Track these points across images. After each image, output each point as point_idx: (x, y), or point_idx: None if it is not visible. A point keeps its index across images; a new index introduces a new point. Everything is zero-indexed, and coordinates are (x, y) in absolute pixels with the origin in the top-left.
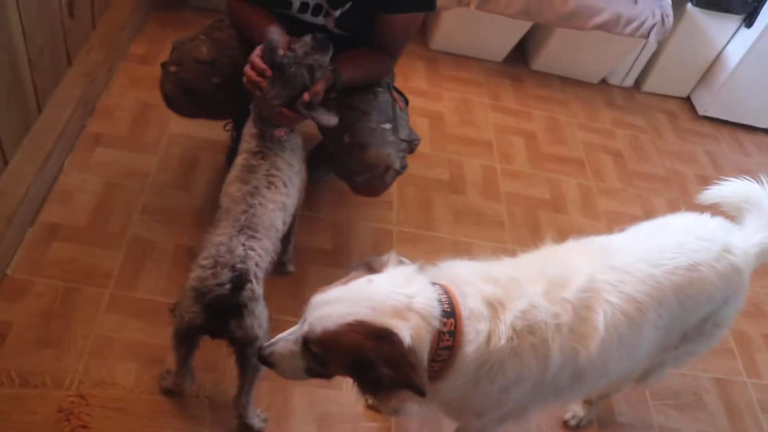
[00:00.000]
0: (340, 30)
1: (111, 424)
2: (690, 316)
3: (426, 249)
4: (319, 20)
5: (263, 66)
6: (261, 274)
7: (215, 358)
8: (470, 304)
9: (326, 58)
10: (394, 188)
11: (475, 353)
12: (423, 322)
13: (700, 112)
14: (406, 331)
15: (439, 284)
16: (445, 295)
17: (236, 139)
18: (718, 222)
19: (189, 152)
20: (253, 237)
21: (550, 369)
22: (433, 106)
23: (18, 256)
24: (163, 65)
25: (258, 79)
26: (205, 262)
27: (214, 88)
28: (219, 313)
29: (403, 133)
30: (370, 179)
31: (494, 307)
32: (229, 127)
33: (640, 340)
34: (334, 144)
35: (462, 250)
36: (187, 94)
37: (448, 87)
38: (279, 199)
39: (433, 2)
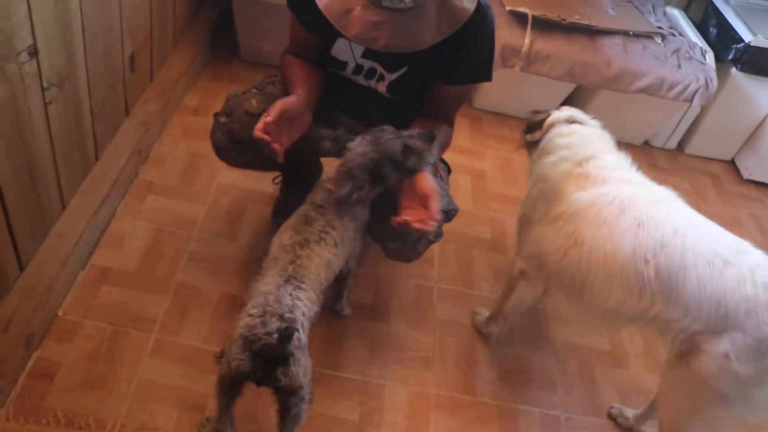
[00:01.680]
0: (390, 94)
1: None
2: None
3: (466, 306)
4: (372, 83)
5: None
6: (307, 324)
7: (254, 409)
8: None
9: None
10: (435, 245)
11: None
12: None
13: (745, 176)
14: None
15: None
16: None
17: (284, 192)
18: None
19: (236, 203)
20: (300, 288)
21: None
22: (476, 164)
23: (69, 298)
24: (215, 116)
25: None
26: (254, 311)
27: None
28: (266, 362)
29: (443, 204)
30: (403, 246)
31: None
32: (277, 180)
33: None
34: (370, 208)
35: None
36: (235, 144)
37: (491, 145)
38: (326, 256)
39: (490, 74)
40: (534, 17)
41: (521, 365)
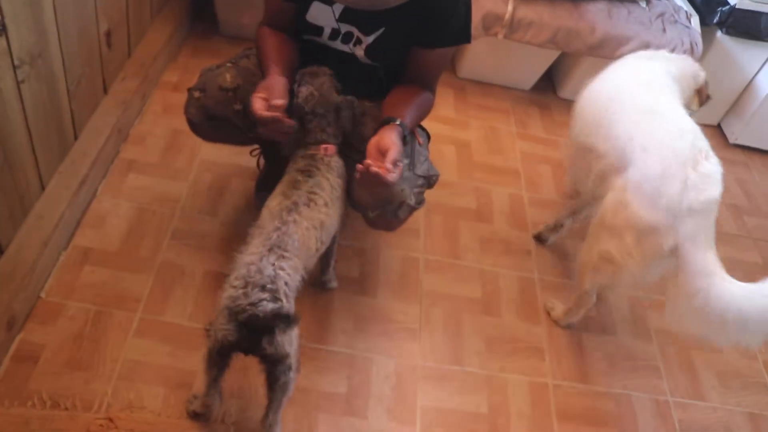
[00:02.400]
0: (369, 59)
1: None
2: None
3: (453, 277)
4: (349, 47)
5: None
6: (291, 293)
7: (242, 385)
8: None
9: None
10: (420, 216)
11: None
12: None
13: (731, 140)
14: None
15: None
16: None
17: (265, 165)
18: None
19: (219, 179)
20: (283, 257)
21: None
22: (461, 134)
23: (52, 280)
24: (189, 90)
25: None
26: (236, 282)
27: (236, 115)
28: (252, 331)
29: (421, 169)
30: (384, 214)
31: None
32: (255, 153)
33: None
34: (349, 177)
35: (489, 279)
36: (210, 120)
37: (476, 115)
38: (317, 217)
39: (468, 35)
40: None
41: (507, 335)
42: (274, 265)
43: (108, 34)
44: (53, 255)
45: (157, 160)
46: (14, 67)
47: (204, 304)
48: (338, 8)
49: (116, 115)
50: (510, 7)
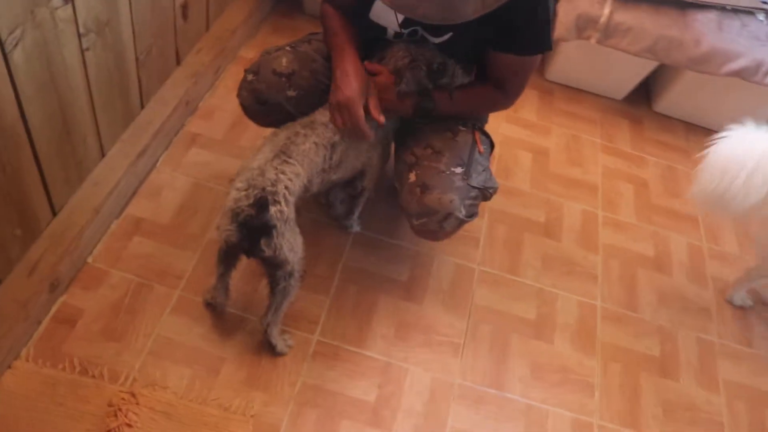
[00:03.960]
0: None
1: (154, 427)
2: None
3: (507, 294)
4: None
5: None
6: (291, 197)
7: (267, 378)
8: None
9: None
10: (483, 225)
11: None
12: None
13: None
14: None
15: None
16: None
17: None
18: None
19: None
20: (286, 162)
21: None
22: (540, 141)
23: (101, 246)
24: (245, 72)
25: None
26: (240, 185)
27: (287, 101)
28: (251, 232)
29: (477, 180)
30: (428, 224)
31: None
32: None
33: None
34: (399, 180)
35: (546, 300)
36: (261, 104)
37: (559, 122)
38: (329, 137)
39: (546, 43)
40: None
41: (556, 363)
42: (276, 169)
43: (185, 6)
44: (105, 222)
45: (222, 136)
46: (79, 35)
47: (244, 290)
48: None
49: (186, 87)
50: (607, 11)
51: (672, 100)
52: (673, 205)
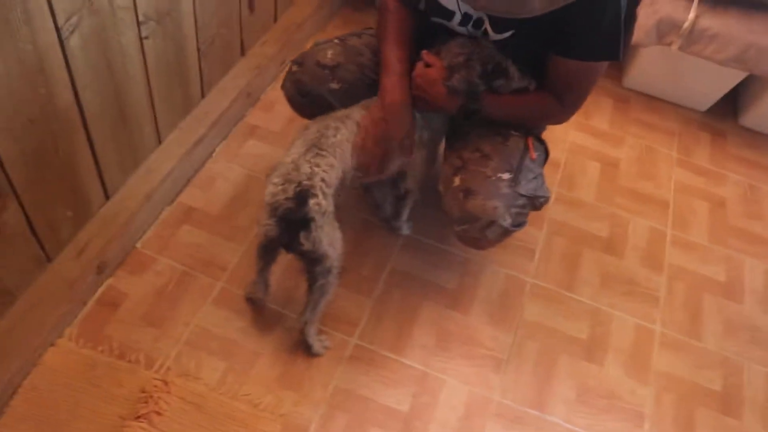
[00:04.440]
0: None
1: (183, 417)
2: None
3: (560, 311)
4: (477, 35)
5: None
6: (328, 190)
7: (300, 378)
8: None
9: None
10: (541, 235)
11: None
12: None
13: None
14: None
15: None
16: None
17: None
18: None
19: None
20: (319, 155)
21: None
22: (611, 151)
23: (150, 232)
24: (291, 63)
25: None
26: (276, 180)
27: (330, 94)
28: (289, 226)
29: (526, 188)
30: (469, 230)
31: None
32: None
33: None
34: (443, 183)
35: (601, 320)
36: (303, 96)
37: (634, 132)
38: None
39: (617, 52)
40: None
41: (605, 388)
42: (310, 162)
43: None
44: (156, 209)
45: (280, 129)
46: (138, 23)
47: (286, 286)
48: None
49: (248, 78)
50: (692, 15)
51: (761, 113)
52: (753, 228)
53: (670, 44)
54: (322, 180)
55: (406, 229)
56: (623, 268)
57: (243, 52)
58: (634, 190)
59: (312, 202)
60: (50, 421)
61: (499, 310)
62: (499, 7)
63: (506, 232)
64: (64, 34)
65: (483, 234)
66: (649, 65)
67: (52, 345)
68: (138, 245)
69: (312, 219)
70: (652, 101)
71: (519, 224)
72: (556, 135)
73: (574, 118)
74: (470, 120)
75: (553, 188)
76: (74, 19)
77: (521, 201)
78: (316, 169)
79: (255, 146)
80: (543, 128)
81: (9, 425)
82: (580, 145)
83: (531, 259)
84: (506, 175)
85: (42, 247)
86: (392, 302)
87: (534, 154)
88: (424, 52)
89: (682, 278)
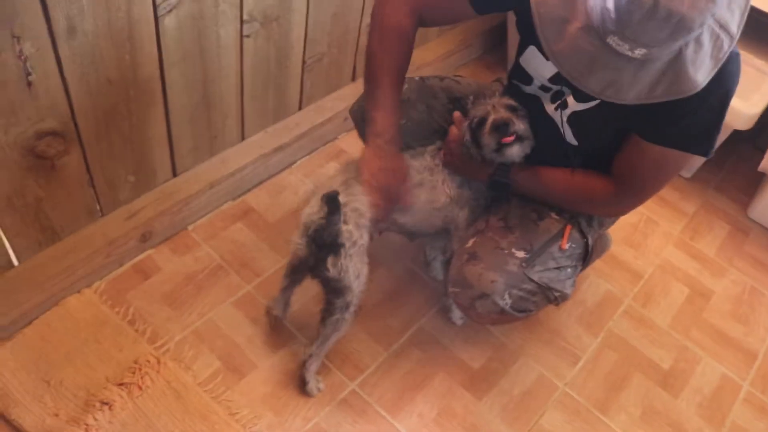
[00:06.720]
0: (570, 128)
1: (161, 400)
2: None
3: (580, 429)
4: (552, 110)
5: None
6: (362, 221)
7: (285, 403)
8: None
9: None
10: (593, 345)
11: None
12: None
13: None
14: None
15: None
16: None
17: None
18: None
19: None
20: (355, 185)
21: None
22: (707, 280)
23: (205, 219)
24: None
25: None
26: (313, 203)
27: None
28: (320, 249)
29: (539, 274)
30: (459, 295)
31: None
32: None
33: None
34: (458, 242)
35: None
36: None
37: (741, 267)
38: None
39: (706, 148)
40: None
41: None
42: (345, 192)
43: None
44: (219, 199)
45: None
46: (241, 20)
47: (309, 308)
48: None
49: (348, 102)
50: None
51: None
52: None
53: None
54: (355, 209)
55: (457, 319)
56: (674, 409)
57: (354, 78)
58: (719, 329)
59: (345, 228)
60: (47, 359)
61: (516, 407)
62: (596, 89)
63: (503, 312)
64: (161, 11)
65: (472, 304)
66: None
67: (78, 292)
68: (189, 227)
69: (342, 245)
70: None
71: (522, 310)
72: (650, 247)
73: (677, 234)
74: (500, 194)
75: (626, 299)
76: (173, 0)
77: (529, 286)
78: (350, 197)
79: (334, 169)
80: (605, 223)
81: (14, 349)
82: (674, 263)
83: (573, 365)
84: (521, 253)
85: (98, 201)
86: (407, 361)
87: (566, 245)
88: (455, 113)
89: None
